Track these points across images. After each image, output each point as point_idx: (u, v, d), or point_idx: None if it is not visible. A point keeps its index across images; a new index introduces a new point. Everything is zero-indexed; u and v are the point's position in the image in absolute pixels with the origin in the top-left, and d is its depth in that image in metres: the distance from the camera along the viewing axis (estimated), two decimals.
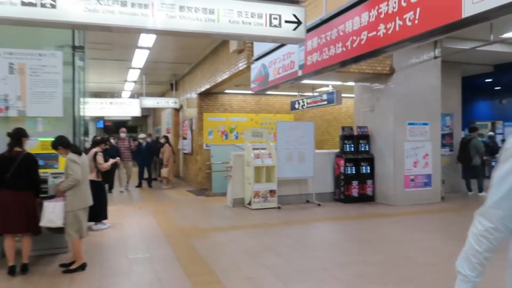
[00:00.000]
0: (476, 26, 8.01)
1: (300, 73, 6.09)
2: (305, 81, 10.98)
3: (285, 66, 6.48)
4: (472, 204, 9.13)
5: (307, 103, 12.42)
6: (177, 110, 16.23)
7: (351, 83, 10.50)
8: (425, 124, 9.09)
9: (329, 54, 5.13)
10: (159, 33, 4.55)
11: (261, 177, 8.63)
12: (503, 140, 16.06)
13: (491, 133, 15.47)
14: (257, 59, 7.85)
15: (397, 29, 3.97)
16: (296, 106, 13.25)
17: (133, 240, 6.19)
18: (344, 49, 4.82)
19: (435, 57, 9.04)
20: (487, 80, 12.90)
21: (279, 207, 8.50)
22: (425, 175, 9.08)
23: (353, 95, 11.18)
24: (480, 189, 10.19)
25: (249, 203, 8.54)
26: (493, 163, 13.64)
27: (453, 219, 7.67)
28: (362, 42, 4.55)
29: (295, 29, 3.90)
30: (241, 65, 8.52)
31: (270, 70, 7.22)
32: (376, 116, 9.34)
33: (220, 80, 10.08)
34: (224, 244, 5.83)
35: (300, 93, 13.55)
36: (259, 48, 7.56)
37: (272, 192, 8.57)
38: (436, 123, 9.26)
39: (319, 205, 8.83)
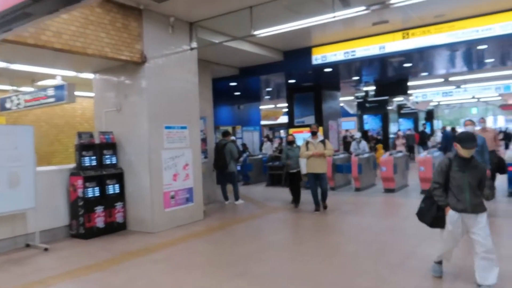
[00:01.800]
0: (237, 19, 7.13)
1: None
2: (19, 68, 7.73)
3: None
4: (231, 216, 8.29)
5: (25, 101, 9.08)
6: None
7: (89, 75, 7.97)
8: (184, 127, 7.64)
9: None
10: None
11: None
12: (243, 144, 16.89)
13: (233, 137, 15.95)
14: None
15: None
16: (9, 105, 9.62)
17: None
18: None
19: (191, 49, 7.72)
20: (231, 84, 12.81)
21: None
22: (187, 189, 7.61)
23: (91, 93, 8.66)
24: (237, 197, 9.64)
25: None
26: (238, 168, 13.85)
27: (223, 241, 6.37)
28: None
29: None
30: None
31: None
32: (125, 118, 7.22)
33: None
34: None
35: (14, 87, 9.97)
36: None
37: None
38: (195, 127, 7.95)
39: (46, 249, 5.94)
